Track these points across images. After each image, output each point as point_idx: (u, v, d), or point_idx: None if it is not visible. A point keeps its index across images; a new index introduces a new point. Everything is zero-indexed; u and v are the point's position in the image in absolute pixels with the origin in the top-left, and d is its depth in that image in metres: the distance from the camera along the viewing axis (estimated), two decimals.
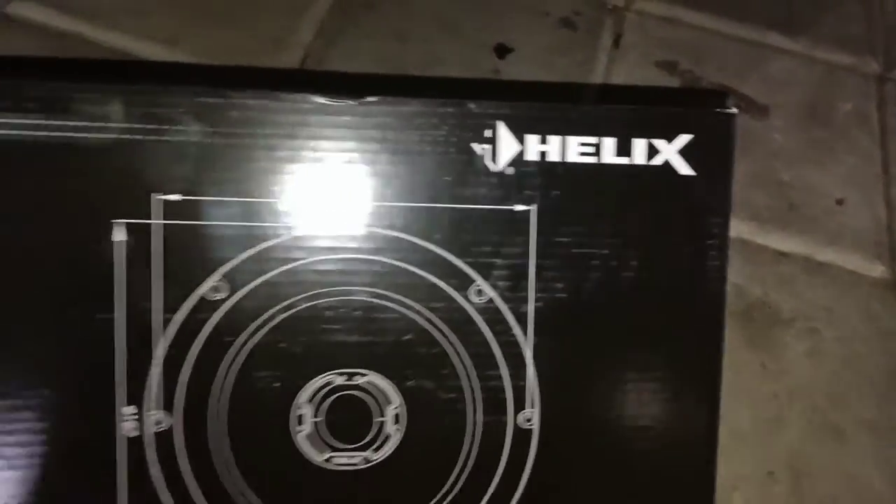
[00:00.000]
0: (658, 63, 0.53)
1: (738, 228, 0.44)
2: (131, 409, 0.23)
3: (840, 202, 0.47)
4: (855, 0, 0.58)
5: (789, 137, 0.50)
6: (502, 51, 0.52)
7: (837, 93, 0.52)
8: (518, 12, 0.55)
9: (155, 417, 0.23)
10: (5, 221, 0.22)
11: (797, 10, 0.57)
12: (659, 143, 0.24)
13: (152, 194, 0.22)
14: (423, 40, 0.52)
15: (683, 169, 0.24)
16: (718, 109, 0.24)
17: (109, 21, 0.49)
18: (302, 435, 0.24)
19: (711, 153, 0.25)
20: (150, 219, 0.22)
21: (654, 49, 0.53)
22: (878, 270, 0.45)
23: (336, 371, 0.24)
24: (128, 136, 0.22)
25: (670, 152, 0.24)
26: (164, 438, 0.23)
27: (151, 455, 0.23)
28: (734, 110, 0.25)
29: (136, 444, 0.23)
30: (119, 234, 0.22)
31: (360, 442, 0.24)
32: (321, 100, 0.23)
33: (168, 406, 0.23)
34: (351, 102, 0.23)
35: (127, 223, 0.22)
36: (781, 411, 0.39)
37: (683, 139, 0.24)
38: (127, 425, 0.23)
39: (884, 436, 0.39)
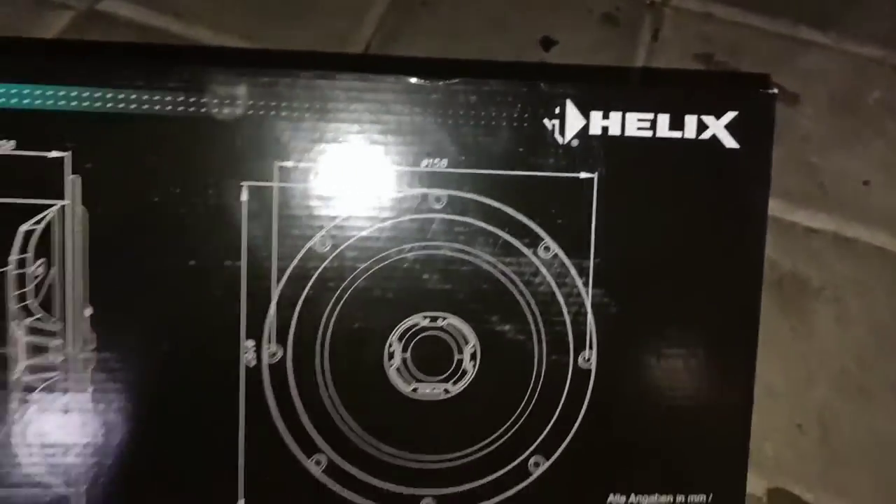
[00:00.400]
0: (695, 55, 0.54)
1: (771, 206, 0.46)
2: (251, 343, 0.26)
3: (866, 183, 0.48)
4: None
5: (819, 124, 0.51)
6: (548, 44, 0.55)
7: (865, 83, 0.53)
8: (562, 8, 0.57)
9: (270, 350, 0.26)
10: (155, 182, 0.26)
11: (827, 6, 0.58)
12: (708, 119, 0.26)
13: (274, 161, 0.26)
14: (474, 35, 0.54)
15: (729, 142, 0.27)
16: (761, 90, 0.27)
17: (192, 17, 0.53)
18: (392, 368, 0.27)
19: (754, 128, 0.27)
20: (271, 181, 0.26)
21: (691, 42, 0.55)
22: None
23: (422, 314, 0.27)
24: (252, 112, 0.26)
25: (718, 127, 0.27)
26: (277, 368, 0.27)
27: (266, 382, 0.26)
28: (774, 90, 0.27)
29: (254, 372, 0.26)
30: (245, 194, 0.26)
31: (441, 375, 0.27)
32: (414, 80, 0.26)
33: (281, 340, 0.26)
34: (439, 83, 0.26)
35: (252, 185, 0.26)
36: (810, 371, 0.40)
37: (730, 116, 0.27)
38: (247, 356, 0.26)
39: None
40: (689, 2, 0.57)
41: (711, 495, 0.28)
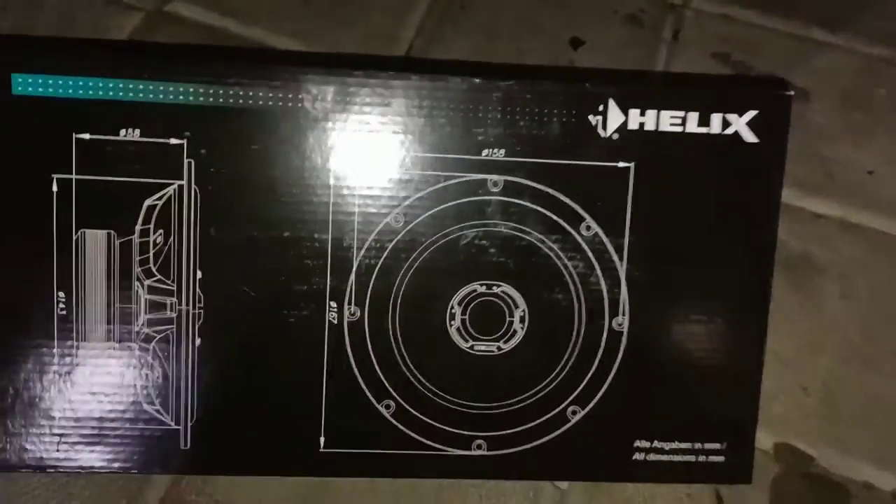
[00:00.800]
0: (713, 55, 0.56)
1: (783, 194, 0.48)
2: (334, 304, 0.30)
3: (871, 173, 0.51)
4: None
5: (829, 119, 0.53)
6: (576, 43, 0.57)
7: (873, 80, 0.55)
8: (590, 10, 0.59)
9: (349, 310, 0.30)
10: (257, 166, 0.29)
11: (838, 8, 0.60)
12: (731, 117, 0.29)
13: (356, 149, 0.29)
14: (508, 35, 0.57)
15: (749, 137, 0.30)
16: (779, 91, 0.29)
17: (251, 18, 0.56)
18: (453, 328, 0.30)
19: (772, 125, 0.30)
20: (354, 167, 0.29)
21: (710, 42, 0.57)
22: None
23: (479, 282, 0.30)
24: (339, 107, 0.29)
25: (740, 124, 0.29)
26: (355, 326, 0.30)
27: (346, 338, 0.30)
28: (791, 93, 0.30)
29: (336, 329, 0.30)
30: (332, 178, 0.29)
31: (494, 335, 0.31)
32: (478, 81, 0.29)
33: (359, 303, 0.30)
34: (500, 83, 0.29)
35: (338, 170, 0.29)
36: (816, 341, 0.43)
37: (751, 114, 0.29)
38: (331, 315, 0.30)
39: None
40: (708, 4, 0.59)
41: (725, 444, 0.31)
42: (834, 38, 0.57)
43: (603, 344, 0.30)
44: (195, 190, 0.29)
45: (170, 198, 0.29)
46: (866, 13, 0.60)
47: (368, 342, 0.29)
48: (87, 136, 0.28)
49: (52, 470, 0.29)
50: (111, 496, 0.35)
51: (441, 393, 0.30)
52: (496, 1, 0.58)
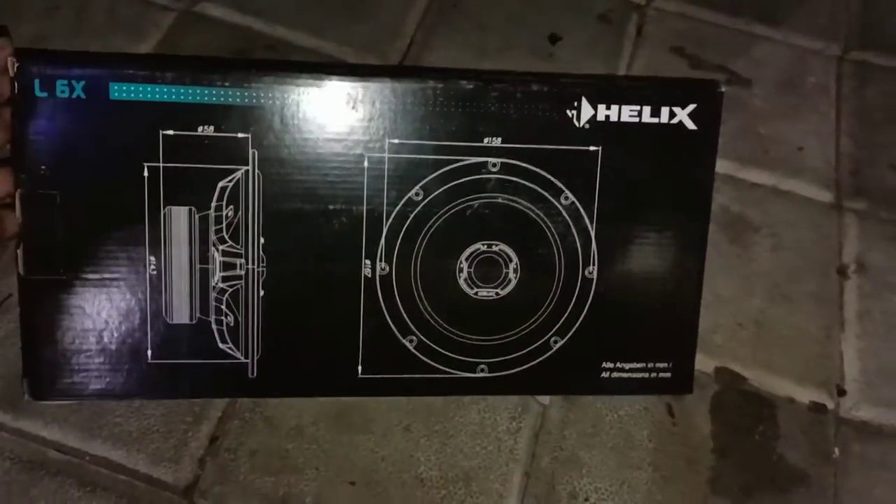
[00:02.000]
0: (671, 48, 0.62)
1: (726, 167, 0.54)
2: (368, 261, 0.35)
3: (801, 149, 0.57)
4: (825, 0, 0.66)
5: (767, 103, 0.59)
6: (554, 39, 0.62)
7: (806, 69, 0.61)
8: (566, 9, 0.64)
9: (381, 266, 0.35)
10: (306, 154, 0.34)
11: (778, 7, 0.65)
12: (676, 109, 0.35)
13: (386, 138, 0.34)
14: (496, 30, 0.62)
15: (690, 125, 0.35)
16: (713, 89, 0.35)
17: (272, 17, 0.60)
18: (462, 278, 0.36)
19: (708, 115, 0.35)
20: (384, 153, 0.34)
21: (668, 37, 0.62)
22: (826, 196, 0.55)
23: (481, 242, 0.36)
24: (372, 104, 0.34)
25: (683, 115, 0.35)
26: (385, 279, 0.35)
27: (378, 287, 0.35)
28: (723, 89, 0.35)
29: (370, 281, 0.35)
30: (366, 162, 0.34)
31: (493, 283, 0.36)
32: (480, 83, 0.34)
33: (388, 260, 0.35)
34: (498, 85, 0.34)
35: (371, 156, 0.34)
36: (750, 285, 0.50)
37: (691, 107, 0.35)
38: (366, 270, 0.35)
39: (822, 302, 0.50)
40: (667, 3, 0.65)
41: (671, 363, 0.38)
42: (773, 33, 0.63)
43: (578, 288, 0.36)
44: (258, 174, 0.33)
45: (238, 180, 0.33)
46: (801, 11, 0.65)
47: (395, 291, 0.35)
48: (171, 131, 0.32)
49: (147, 398, 0.35)
50: (179, 415, 0.41)
51: (452, 329, 0.36)
52: (485, 1, 0.63)
